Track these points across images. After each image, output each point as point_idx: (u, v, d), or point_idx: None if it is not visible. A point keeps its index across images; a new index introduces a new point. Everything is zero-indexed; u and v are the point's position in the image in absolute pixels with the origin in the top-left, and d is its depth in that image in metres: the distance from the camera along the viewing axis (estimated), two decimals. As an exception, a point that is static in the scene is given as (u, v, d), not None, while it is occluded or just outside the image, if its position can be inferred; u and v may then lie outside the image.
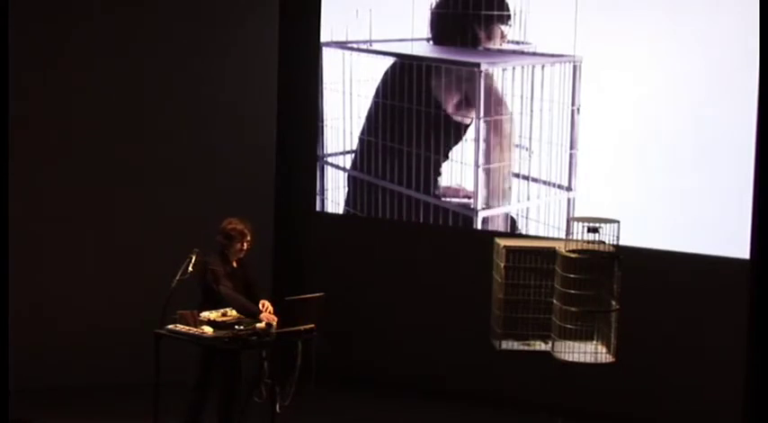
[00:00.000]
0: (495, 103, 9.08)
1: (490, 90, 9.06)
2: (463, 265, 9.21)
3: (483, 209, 9.22)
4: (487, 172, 9.12)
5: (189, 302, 7.61)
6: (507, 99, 9.07)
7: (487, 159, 9.09)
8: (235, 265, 7.76)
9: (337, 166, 10.05)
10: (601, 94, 8.76)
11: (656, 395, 8.61)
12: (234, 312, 7.52)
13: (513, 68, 9.03)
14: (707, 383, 8.37)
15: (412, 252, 9.67)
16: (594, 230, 6.84)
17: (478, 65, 9.09)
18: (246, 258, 7.80)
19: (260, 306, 7.57)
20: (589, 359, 6.97)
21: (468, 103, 9.24)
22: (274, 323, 7.38)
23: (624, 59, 8.62)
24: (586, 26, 8.72)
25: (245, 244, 7.72)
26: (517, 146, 9.09)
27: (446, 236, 9.51)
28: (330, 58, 9.96)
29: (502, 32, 9.17)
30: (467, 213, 9.33)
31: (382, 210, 9.81)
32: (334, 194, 10.08)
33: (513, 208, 9.18)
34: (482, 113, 9.11)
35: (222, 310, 7.51)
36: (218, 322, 7.36)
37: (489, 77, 9.05)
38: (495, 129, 9.12)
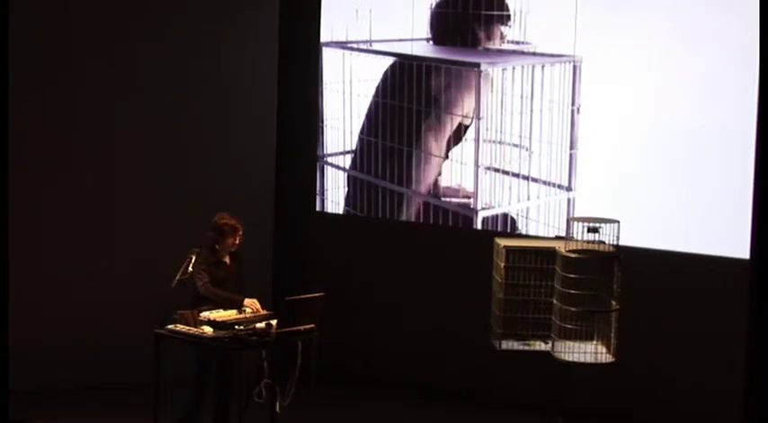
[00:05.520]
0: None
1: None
2: (463, 265, 9.20)
3: (483, 209, 9.23)
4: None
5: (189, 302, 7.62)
6: (507, 99, 9.07)
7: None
8: (228, 260, 7.75)
9: (337, 166, 10.05)
10: (601, 94, 8.76)
11: (656, 395, 8.60)
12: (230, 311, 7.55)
13: (513, 68, 9.03)
14: (707, 383, 8.36)
15: (412, 252, 9.66)
16: (594, 230, 6.83)
17: (478, 65, 9.09)
18: (242, 254, 7.80)
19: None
20: (589, 359, 6.95)
21: (467, 102, 9.25)
22: (257, 309, 7.47)
23: (624, 59, 8.62)
24: (586, 26, 8.72)
25: (237, 238, 7.73)
26: (517, 146, 9.09)
27: (446, 236, 9.50)
28: (330, 58, 9.96)
29: (501, 33, 9.16)
30: (467, 213, 9.33)
31: (382, 210, 9.81)
32: (334, 194, 10.08)
33: (513, 208, 9.18)
34: (482, 113, 9.12)
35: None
36: (218, 322, 7.36)
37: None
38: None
